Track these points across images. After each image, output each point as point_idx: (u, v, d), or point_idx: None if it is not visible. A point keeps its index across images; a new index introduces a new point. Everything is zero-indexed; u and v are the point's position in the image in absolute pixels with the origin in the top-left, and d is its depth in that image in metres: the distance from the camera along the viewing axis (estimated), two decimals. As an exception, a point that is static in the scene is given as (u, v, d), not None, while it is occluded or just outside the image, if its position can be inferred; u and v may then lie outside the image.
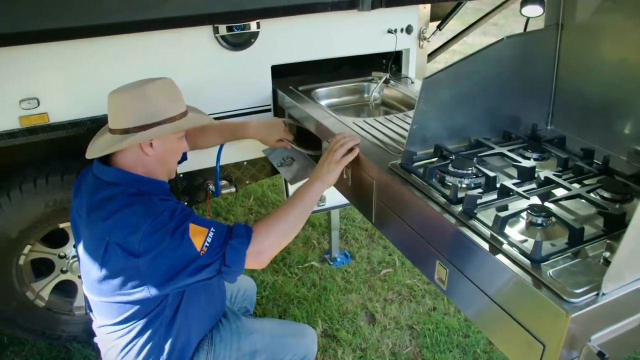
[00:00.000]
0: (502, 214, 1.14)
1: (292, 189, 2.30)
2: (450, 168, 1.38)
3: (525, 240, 1.11)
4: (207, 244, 1.29)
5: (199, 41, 1.91)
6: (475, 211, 1.19)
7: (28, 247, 2.04)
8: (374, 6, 2.04)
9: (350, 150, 1.53)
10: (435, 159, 1.48)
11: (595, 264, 1.04)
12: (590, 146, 1.50)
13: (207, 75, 1.99)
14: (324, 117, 1.82)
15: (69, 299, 2.23)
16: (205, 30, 1.91)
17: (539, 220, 1.17)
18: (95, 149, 1.39)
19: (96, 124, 1.78)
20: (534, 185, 1.34)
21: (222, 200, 3.46)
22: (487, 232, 1.13)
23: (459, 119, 1.57)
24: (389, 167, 1.44)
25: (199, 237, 1.28)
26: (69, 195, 1.51)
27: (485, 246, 1.10)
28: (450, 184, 1.33)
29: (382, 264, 2.86)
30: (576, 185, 1.31)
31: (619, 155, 1.50)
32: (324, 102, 2.12)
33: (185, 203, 2.20)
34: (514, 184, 1.30)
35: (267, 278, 2.72)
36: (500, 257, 1.07)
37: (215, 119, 2.07)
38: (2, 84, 1.70)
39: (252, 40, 1.99)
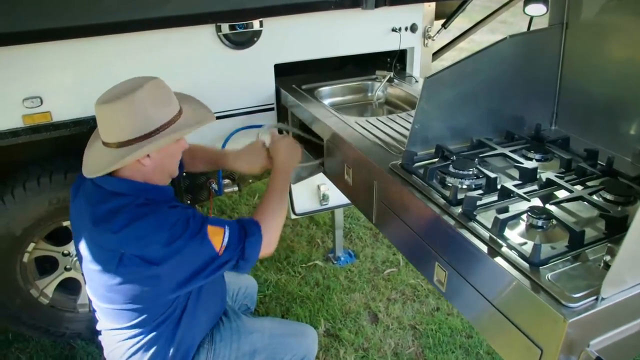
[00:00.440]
0: (502, 216, 1.13)
1: (294, 188, 2.30)
2: (451, 169, 1.36)
3: (525, 243, 1.09)
4: (225, 243, 1.35)
5: (202, 40, 1.91)
6: (474, 213, 1.18)
7: (32, 244, 2.06)
8: (377, 4, 2.03)
9: None
10: (436, 159, 1.47)
11: (596, 268, 1.03)
12: (595, 147, 1.48)
13: (210, 74, 1.99)
14: (326, 116, 1.81)
15: (72, 297, 2.25)
16: (208, 29, 1.90)
17: (540, 223, 1.15)
18: (93, 167, 1.34)
19: (99, 123, 1.78)
20: (535, 187, 1.32)
21: (227, 199, 3.47)
22: (486, 235, 1.12)
23: (461, 118, 1.56)
24: (389, 168, 1.43)
25: (217, 238, 1.34)
26: (72, 194, 1.51)
27: (484, 249, 1.09)
28: (451, 185, 1.32)
29: (386, 264, 2.84)
30: (578, 187, 1.29)
31: (624, 156, 1.47)
32: (327, 101, 2.11)
33: (188, 202, 2.20)
34: (515, 186, 1.28)
35: (270, 277, 2.72)
36: (498, 260, 1.05)
37: (219, 117, 2.07)
38: (5, 82, 1.71)
39: (255, 39, 1.98)
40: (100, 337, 1.55)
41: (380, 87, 2.18)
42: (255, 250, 1.40)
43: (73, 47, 1.73)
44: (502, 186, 1.26)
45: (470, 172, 1.35)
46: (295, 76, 2.23)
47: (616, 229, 1.12)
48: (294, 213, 2.38)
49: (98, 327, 1.52)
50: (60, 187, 1.95)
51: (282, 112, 2.16)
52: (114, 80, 1.43)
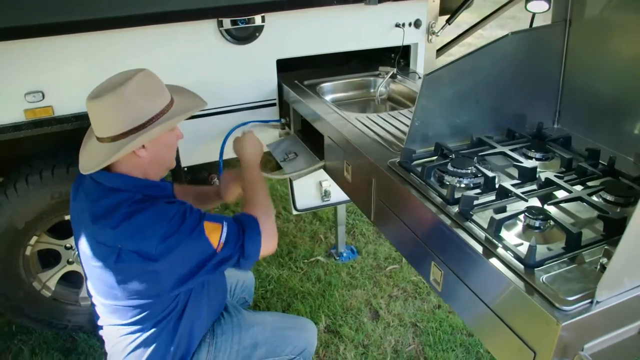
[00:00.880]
0: (498, 216, 1.12)
1: (296, 184, 2.30)
2: (450, 167, 1.35)
3: (521, 244, 1.08)
4: (223, 240, 1.33)
5: (203, 35, 1.91)
6: (471, 212, 1.17)
7: (34, 238, 2.07)
8: (381, 0, 2.01)
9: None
10: (435, 157, 1.45)
11: (592, 270, 1.01)
12: (597, 146, 1.46)
13: (212, 69, 1.99)
14: (326, 113, 1.80)
15: (75, 290, 2.27)
16: (209, 24, 1.90)
17: (537, 224, 1.13)
18: (89, 164, 1.33)
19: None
20: (534, 187, 1.30)
21: (230, 194, 3.47)
22: (482, 235, 1.11)
23: (462, 116, 1.54)
24: (387, 165, 1.42)
25: (215, 234, 1.32)
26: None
27: (479, 249, 1.08)
28: (449, 184, 1.30)
29: (389, 260, 2.84)
30: (578, 187, 1.27)
31: (626, 156, 1.45)
32: (329, 97, 2.10)
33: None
34: (514, 185, 1.26)
35: (272, 272, 2.72)
36: (493, 260, 1.04)
37: (221, 112, 2.07)
38: (8, 77, 1.72)
39: (257, 34, 1.98)
40: (101, 332, 1.56)
41: (382, 84, 2.16)
42: (255, 247, 1.38)
43: (74, 42, 1.74)
44: (500, 185, 1.25)
45: (469, 171, 1.33)
46: (299, 71, 2.22)
47: (615, 231, 1.10)
48: (296, 209, 2.38)
49: (99, 323, 1.52)
50: (63, 181, 1.96)
51: (284, 107, 2.16)
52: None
